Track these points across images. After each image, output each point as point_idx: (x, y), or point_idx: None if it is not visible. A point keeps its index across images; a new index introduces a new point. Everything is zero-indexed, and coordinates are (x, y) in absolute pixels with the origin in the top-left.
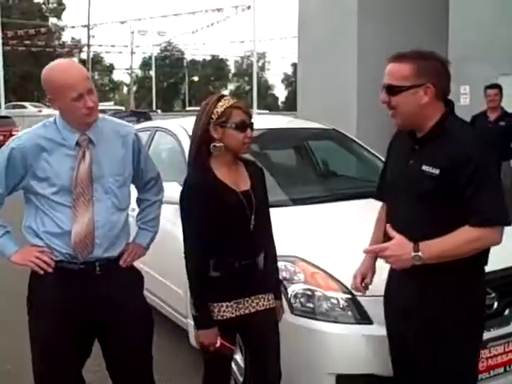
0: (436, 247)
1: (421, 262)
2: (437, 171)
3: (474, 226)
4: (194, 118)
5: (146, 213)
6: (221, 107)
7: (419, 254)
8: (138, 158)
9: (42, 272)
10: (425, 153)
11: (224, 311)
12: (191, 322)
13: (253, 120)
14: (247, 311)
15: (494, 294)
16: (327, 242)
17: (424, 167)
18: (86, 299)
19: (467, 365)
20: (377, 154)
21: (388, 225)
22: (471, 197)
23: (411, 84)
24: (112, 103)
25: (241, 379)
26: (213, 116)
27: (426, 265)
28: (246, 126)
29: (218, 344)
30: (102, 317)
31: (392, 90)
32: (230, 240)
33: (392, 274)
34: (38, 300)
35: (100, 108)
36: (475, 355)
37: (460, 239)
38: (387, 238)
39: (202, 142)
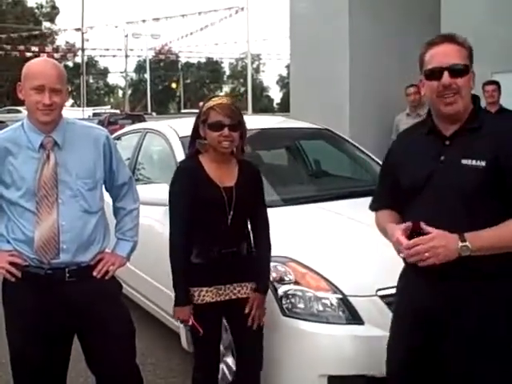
0: (485, 237)
1: (467, 254)
2: (482, 163)
3: None
4: (183, 120)
5: (123, 223)
6: (205, 107)
7: (467, 243)
8: (109, 161)
9: (13, 279)
10: (460, 146)
11: (204, 295)
12: (182, 325)
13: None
14: (227, 297)
15: None
16: (318, 242)
17: (464, 161)
18: (54, 304)
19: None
20: (370, 154)
21: (422, 222)
22: None
23: (469, 67)
24: (109, 107)
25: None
26: (201, 115)
27: (461, 270)
28: (220, 126)
29: (190, 323)
30: (73, 322)
31: (459, 71)
32: (207, 230)
33: (411, 276)
34: (9, 303)
35: (96, 111)
36: None
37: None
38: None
39: (194, 137)
